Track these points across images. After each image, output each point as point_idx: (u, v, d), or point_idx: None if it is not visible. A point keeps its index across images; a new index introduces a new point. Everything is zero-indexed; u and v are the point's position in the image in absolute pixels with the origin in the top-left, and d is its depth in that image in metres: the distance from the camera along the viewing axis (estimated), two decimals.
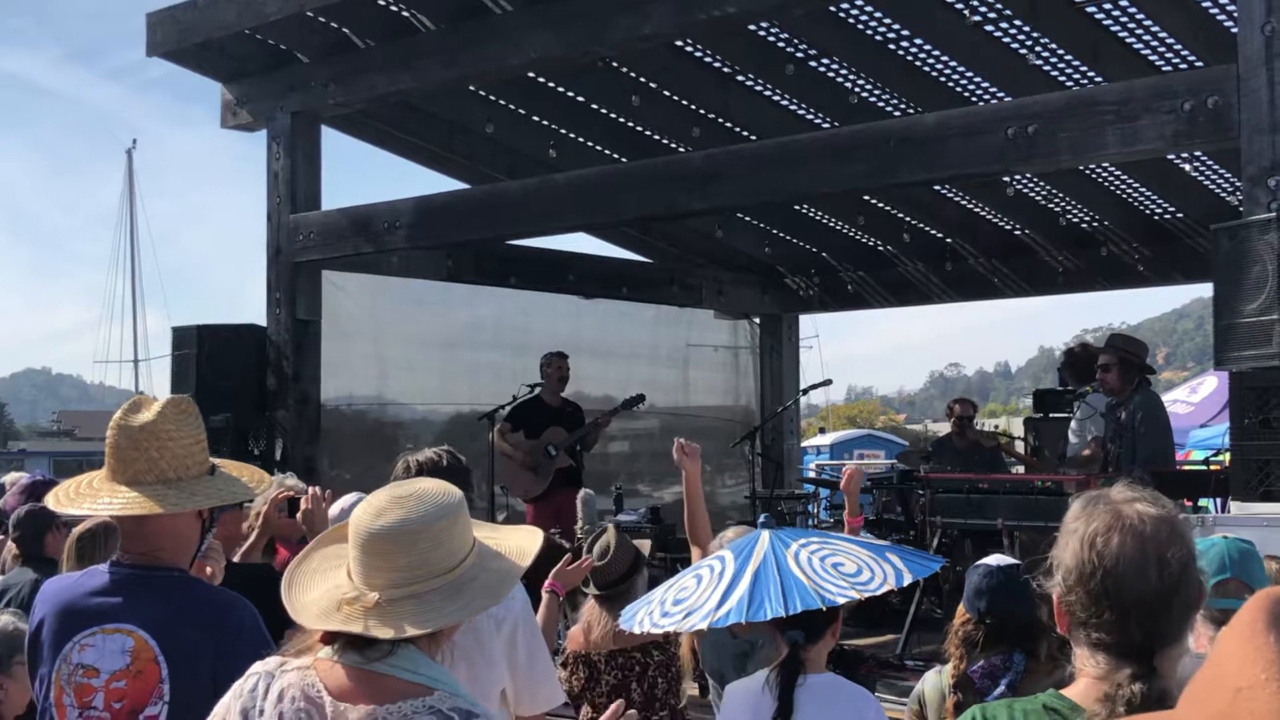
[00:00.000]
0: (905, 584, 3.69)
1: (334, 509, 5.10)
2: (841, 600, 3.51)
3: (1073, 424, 9.72)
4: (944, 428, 13.18)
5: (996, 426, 13.18)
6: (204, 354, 10.65)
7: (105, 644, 3.09)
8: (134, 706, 3.05)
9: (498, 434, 10.96)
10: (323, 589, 2.49)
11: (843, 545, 3.78)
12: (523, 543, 2.66)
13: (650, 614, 3.68)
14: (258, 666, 2.52)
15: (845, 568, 3.58)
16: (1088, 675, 2.17)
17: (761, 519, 3.99)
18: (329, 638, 2.45)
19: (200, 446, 3.26)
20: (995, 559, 4.44)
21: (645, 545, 5.68)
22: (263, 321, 11.07)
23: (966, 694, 4.24)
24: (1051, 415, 11.53)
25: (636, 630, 3.77)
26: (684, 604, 3.62)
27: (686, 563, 9.73)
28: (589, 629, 5.33)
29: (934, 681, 4.43)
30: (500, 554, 2.59)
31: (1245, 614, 1.17)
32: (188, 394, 3.47)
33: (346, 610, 2.40)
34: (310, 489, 5.10)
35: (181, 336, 10.92)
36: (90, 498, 3.20)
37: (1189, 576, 2.14)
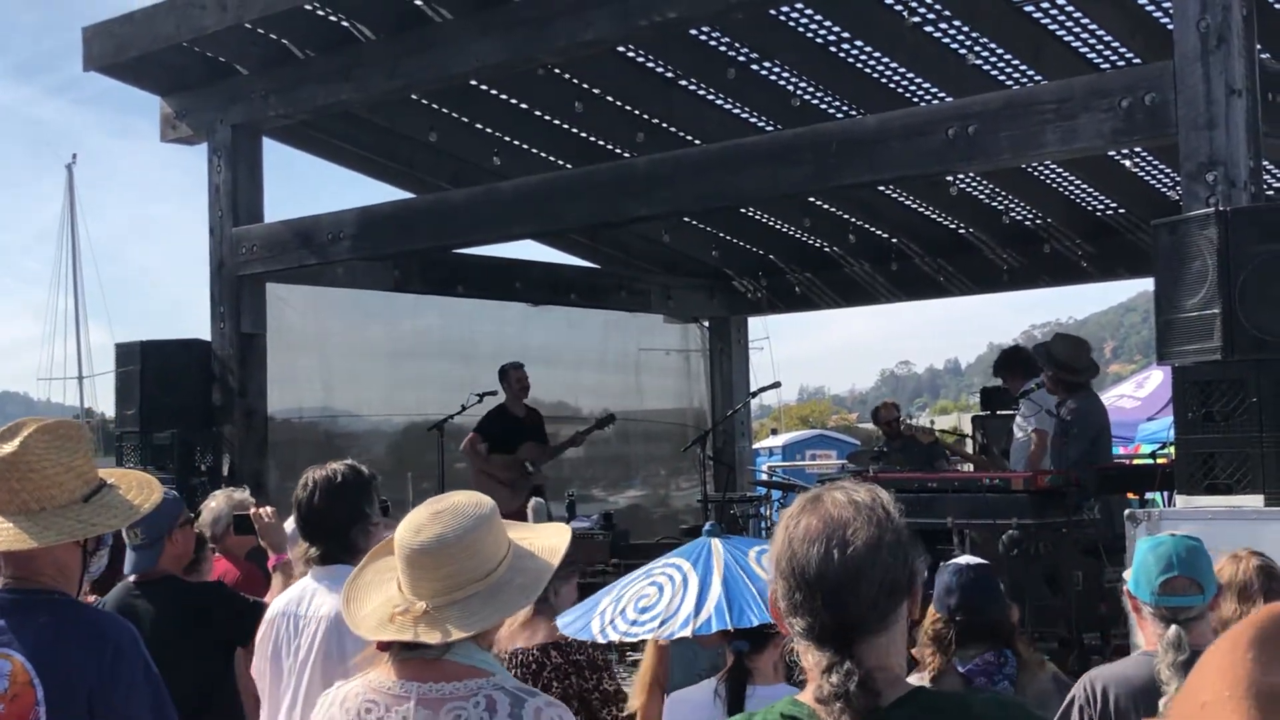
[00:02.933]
0: None
1: (289, 525, 5.08)
2: None
3: (1017, 419, 9.78)
4: None
5: (932, 423, 13.15)
6: (148, 370, 10.55)
7: None
8: None
9: (470, 447, 11.03)
10: (375, 602, 2.80)
11: None
12: (552, 541, 2.96)
13: (611, 623, 3.57)
14: (324, 694, 2.87)
15: None
16: (811, 680, 2.13)
17: (707, 526, 3.89)
18: (384, 646, 2.75)
19: (73, 474, 3.23)
20: (964, 559, 4.50)
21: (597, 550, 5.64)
22: (207, 336, 10.98)
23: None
24: (999, 413, 11.60)
25: (600, 640, 3.67)
26: (653, 611, 3.52)
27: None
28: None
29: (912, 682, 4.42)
30: (533, 554, 2.89)
31: (1237, 628, 1.16)
32: (104, 412, 3.43)
33: (399, 620, 2.70)
34: (265, 508, 5.07)
35: (125, 353, 10.81)
36: None
37: (879, 558, 2.08)
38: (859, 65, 10.59)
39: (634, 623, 3.52)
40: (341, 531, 3.04)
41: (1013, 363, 10.30)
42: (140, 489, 3.41)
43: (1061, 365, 9.08)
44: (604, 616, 3.62)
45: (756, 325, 16.82)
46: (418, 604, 2.70)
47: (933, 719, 2.11)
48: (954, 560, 4.49)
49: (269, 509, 5.07)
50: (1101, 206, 13.15)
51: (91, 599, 4.40)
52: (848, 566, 2.07)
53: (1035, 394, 9.30)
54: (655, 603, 3.55)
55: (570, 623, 3.74)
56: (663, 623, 3.46)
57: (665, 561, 3.77)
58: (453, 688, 2.66)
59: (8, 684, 3.08)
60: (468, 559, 2.72)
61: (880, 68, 10.61)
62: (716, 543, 3.73)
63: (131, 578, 4.62)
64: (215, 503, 5.92)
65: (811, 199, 13.11)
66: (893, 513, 2.14)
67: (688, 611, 3.45)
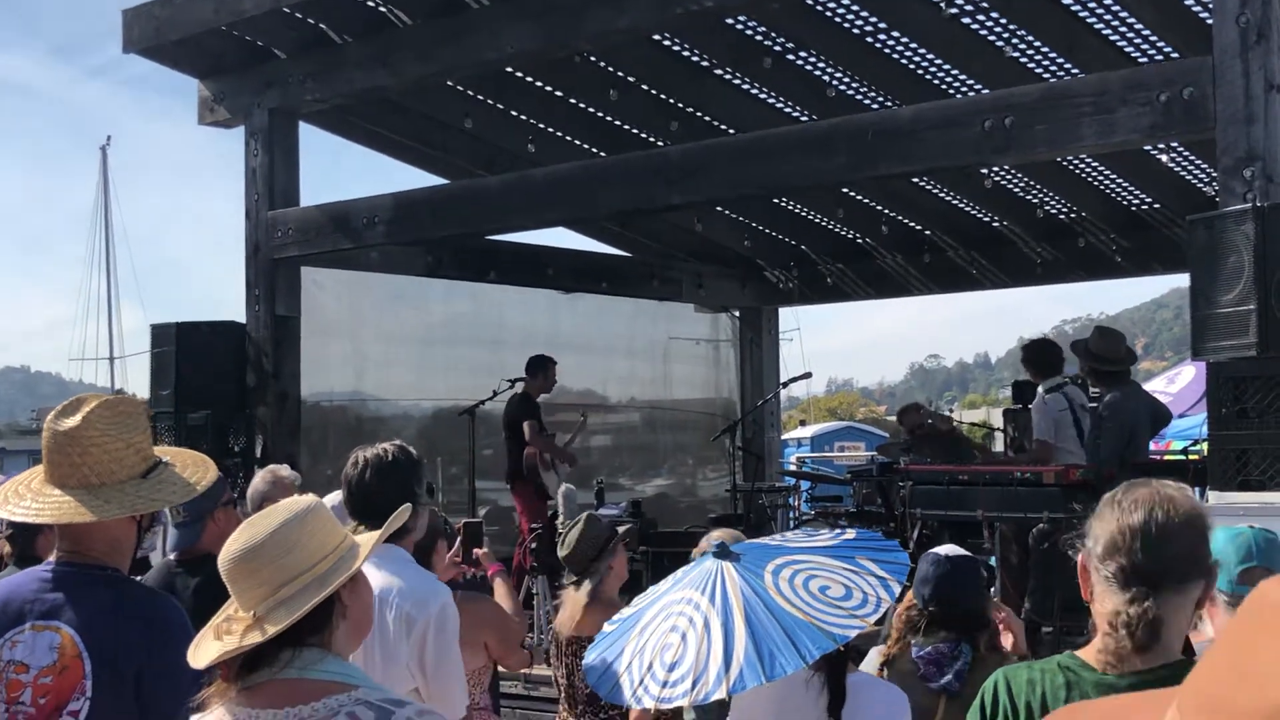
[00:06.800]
0: (895, 597, 3.51)
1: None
2: (852, 634, 3.32)
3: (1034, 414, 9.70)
4: None
5: (957, 419, 13.03)
6: (183, 351, 10.61)
7: (35, 640, 3.13)
8: (58, 702, 3.09)
9: (536, 436, 11.08)
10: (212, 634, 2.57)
11: (813, 560, 3.52)
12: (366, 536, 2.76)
13: (643, 685, 3.36)
14: None
15: (833, 591, 3.34)
16: (1099, 631, 2.56)
17: (714, 548, 3.63)
18: (229, 675, 2.51)
19: (133, 450, 3.26)
20: (946, 548, 4.54)
21: (627, 527, 5.73)
22: (242, 319, 11.04)
23: (894, 676, 4.32)
24: (1029, 406, 11.55)
25: (635, 705, 3.57)
26: (682, 669, 3.29)
27: (669, 558, 9.75)
28: (561, 610, 5.46)
29: (874, 661, 4.48)
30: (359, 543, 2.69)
31: (1258, 607, 1.04)
32: (135, 395, 3.45)
33: (226, 638, 2.48)
34: None
35: (160, 334, 10.88)
36: (17, 500, 3.23)
37: (1192, 530, 2.54)
38: (895, 56, 10.57)
39: (665, 684, 3.31)
40: (390, 510, 3.07)
41: (1034, 353, 10.13)
42: (195, 467, 3.43)
43: (1094, 356, 9.04)
44: (631, 674, 3.43)
45: (787, 316, 16.83)
46: (243, 614, 2.50)
47: None
48: (934, 549, 4.54)
49: None
50: (1136, 201, 13.09)
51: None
52: (1166, 525, 2.52)
53: (1068, 389, 9.27)
54: (681, 656, 3.32)
55: (600, 673, 3.54)
56: (695, 683, 3.25)
57: (681, 595, 3.54)
58: (312, 709, 2.41)
59: (57, 656, 3.11)
60: (284, 555, 2.51)
61: (916, 59, 10.59)
62: (730, 569, 3.48)
63: (172, 555, 4.67)
64: (257, 479, 6.04)
65: (845, 190, 13.09)
66: (1206, 513, 2.64)
67: (718, 667, 3.24)
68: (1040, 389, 9.47)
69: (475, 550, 5.26)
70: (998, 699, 2.66)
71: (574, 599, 5.43)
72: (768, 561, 3.50)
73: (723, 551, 3.58)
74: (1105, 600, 2.56)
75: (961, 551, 4.54)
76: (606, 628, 3.77)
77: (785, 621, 3.27)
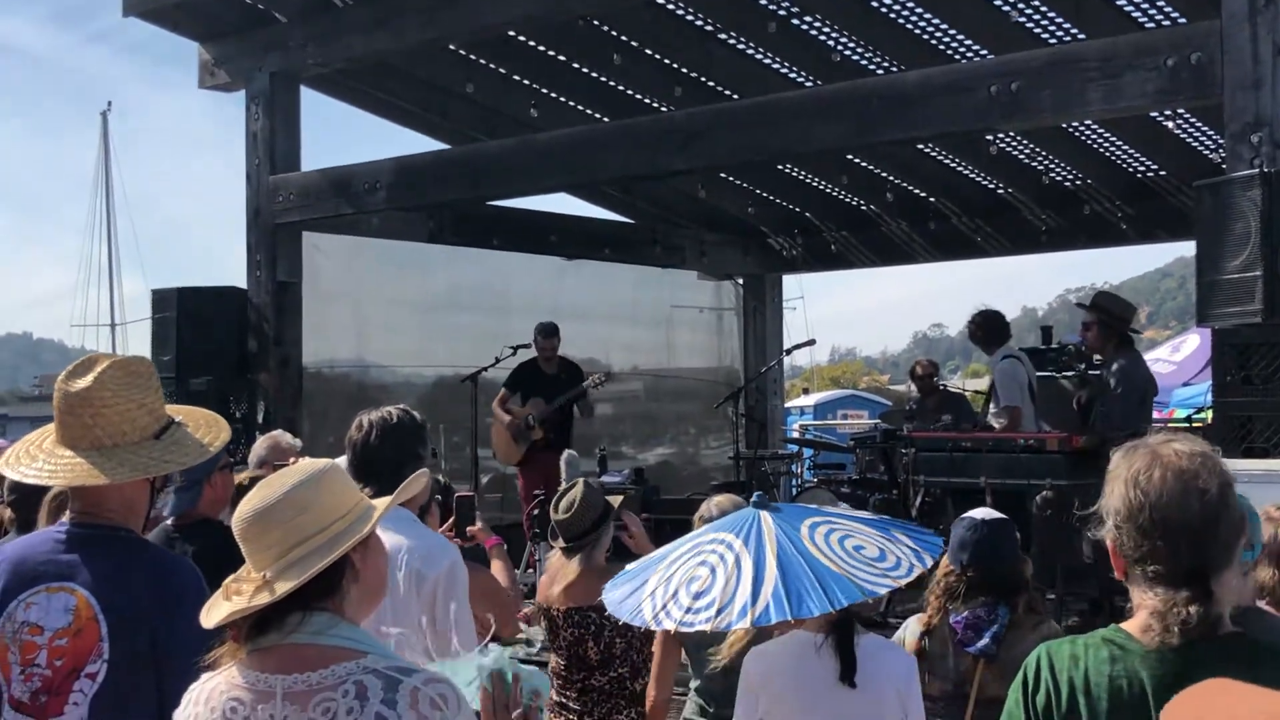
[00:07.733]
0: (928, 567, 3.61)
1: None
2: (882, 591, 3.41)
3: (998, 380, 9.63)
4: None
5: (962, 389, 13.05)
6: (184, 316, 10.60)
7: (49, 602, 3.10)
8: (75, 665, 3.05)
9: (498, 402, 11.04)
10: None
11: (850, 524, 3.63)
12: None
13: (665, 609, 3.43)
14: (189, 688, 2.57)
15: (867, 552, 3.43)
16: (1146, 608, 2.37)
17: (755, 497, 3.75)
18: (239, 636, 2.49)
19: (144, 411, 3.22)
20: (981, 512, 4.54)
21: (616, 499, 5.62)
22: (243, 284, 11.01)
23: (935, 643, 4.32)
24: (1035, 374, 11.51)
25: (655, 628, 3.62)
26: (708, 598, 3.37)
27: (671, 525, 9.73)
28: (551, 582, 5.35)
29: (914, 629, 4.49)
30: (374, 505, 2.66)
31: None
32: (145, 356, 3.39)
33: (235, 599, 2.45)
34: None
35: (162, 299, 10.86)
36: (30, 460, 3.19)
37: (1228, 503, 2.35)
38: (901, 21, 10.48)
39: (689, 610, 3.37)
40: (394, 471, 3.07)
41: (984, 326, 9.97)
42: (208, 427, 3.40)
43: (1114, 315, 8.94)
44: (655, 600, 3.49)
45: (791, 285, 16.81)
46: (254, 574, 2.47)
47: (1241, 657, 2.30)
48: (969, 514, 4.54)
49: None
50: (1142, 168, 13.03)
51: None
52: (1206, 514, 2.33)
53: (1008, 364, 9.23)
54: (709, 587, 3.40)
55: (619, 602, 3.61)
56: (719, 611, 3.32)
57: (713, 536, 3.64)
58: (320, 676, 2.39)
59: (72, 619, 3.08)
60: (296, 515, 2.47)
61: (922, 24, 10.50)
62: (767, 517, 3.59)
63: (169, 520, 4.66)
64: (257, 444, 6.04)
65: (850, 156, 13.02)
66: (1220, 459, 2.42)
67: (744, 599, 3.31)
68: (997, 357, 9.42)
69: (469, 528, 5.18)
70: (1040, 675, 2.53)
71: (566, 568, 5.33)
72: (805, 518, 3.63)
73: (762, 502, 3.69)
74: (1150, 592, 2.38)
75: (997, 515, 4.56)
76: (627, 569, 3.81)
77: (817, 569, 3.36)
